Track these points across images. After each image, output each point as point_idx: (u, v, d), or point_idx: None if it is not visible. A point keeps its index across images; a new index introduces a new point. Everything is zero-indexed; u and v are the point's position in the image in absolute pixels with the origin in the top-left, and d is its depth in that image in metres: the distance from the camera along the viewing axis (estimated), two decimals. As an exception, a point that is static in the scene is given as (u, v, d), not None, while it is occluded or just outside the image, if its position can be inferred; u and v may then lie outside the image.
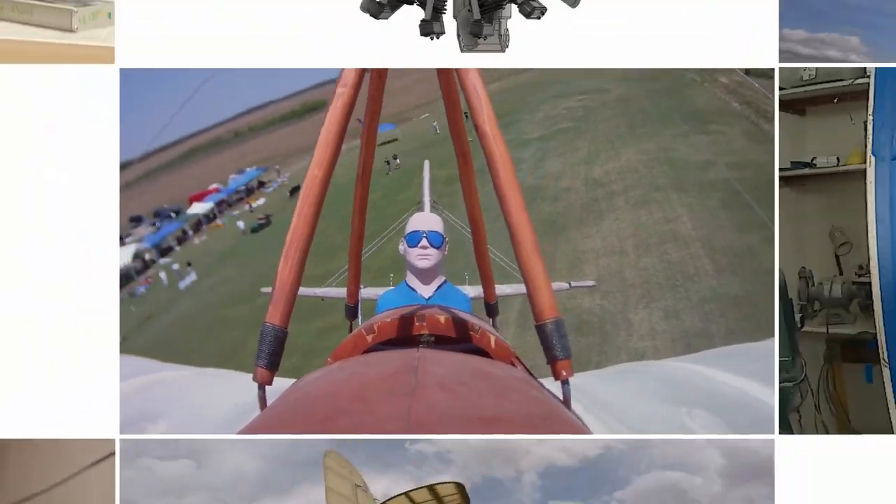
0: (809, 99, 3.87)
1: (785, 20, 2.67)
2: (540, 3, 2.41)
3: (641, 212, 18.15)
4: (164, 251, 33.78)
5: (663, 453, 3.70)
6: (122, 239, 33.48)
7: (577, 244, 16.92)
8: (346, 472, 3.42)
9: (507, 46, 2.49)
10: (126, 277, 30.13)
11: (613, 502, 3.99)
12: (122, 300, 27.80)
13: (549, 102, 26.78)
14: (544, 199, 20.11)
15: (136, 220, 38.21)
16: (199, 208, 39.49)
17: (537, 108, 27.22)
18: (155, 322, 24.62)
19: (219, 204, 40.61)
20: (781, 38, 2.70)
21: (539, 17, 2.42)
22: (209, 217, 39.04)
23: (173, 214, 38.87)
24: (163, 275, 30.54)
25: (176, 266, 30.91)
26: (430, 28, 2.44)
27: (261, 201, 39.84)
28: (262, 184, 43.67)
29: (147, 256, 32.68)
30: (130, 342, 21.93)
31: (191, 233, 36.54)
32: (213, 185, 43.49)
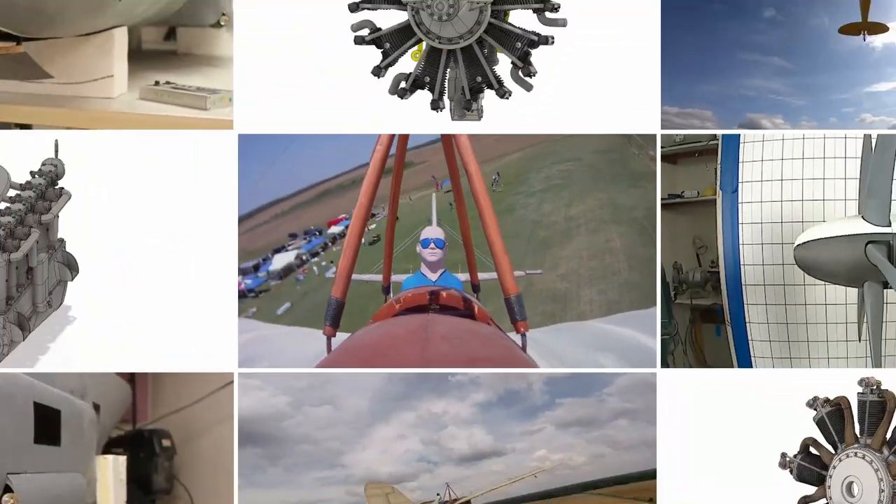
0: (680, 154, 3.87)
1: (664, 100, 2.66)
2: (508, 89, 2.42)
3: (593, 236, 19.09)
4: (314, 254, 34.28)
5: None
6: (285, 247, 34.56)
7: (556, 253, 18.15)
8: (380, 490, 3.46)
9: (482, 117, 2.49)
10: (290, 269, 30.56)
11: (604, 395, 4.04)
12: (287, 283, 28.07)
13: (549, 167, 26.93)
14: (541, 228, 20.93)
15: (293, 236, 38.94)
16: (335, 229, 39.84)
17: (541, 171, 27.35)
18: (310, 296, 24.67)
19: (347, 227, 40.57)
20: (662, 112, 2.70)
21: (508, 98, 2.42)
22: (342, 235, 39.21)
23: (318, 233, 39.40)
24: (315, 268, 30.75)
25: (324, 263, 31.15)
26: (436, 105, 2.44)
27: (373, 226, 39.82)
28: (373, 214, 43.49)
29: (304, 257, 33.09)
30: (296, 309, 22.04)
31: (331, 244, 36.95)
32: (342, 215, 43.58)
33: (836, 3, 2.60)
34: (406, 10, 2.35)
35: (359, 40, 2.38)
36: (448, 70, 2.42)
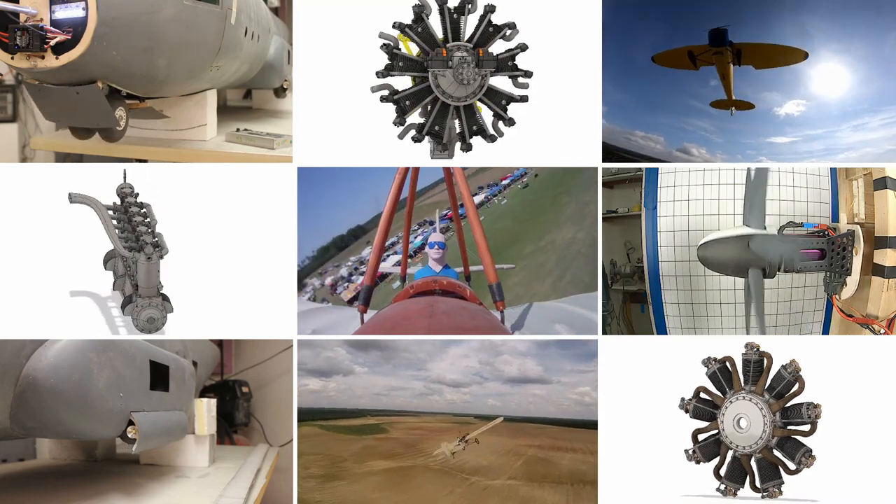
0: (616, 181, 3.81)
1: (634, 125, 2.66)
2: (495, 134, 2.36)
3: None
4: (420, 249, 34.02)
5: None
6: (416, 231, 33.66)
7: (562, 235, 16.74)
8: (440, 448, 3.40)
9: (454, 156, 2.40)
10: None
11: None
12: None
13: (573, 197, 26.07)
14: (564, 223, 19.89)
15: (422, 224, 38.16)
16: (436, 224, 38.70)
17: (566, 202, 26.41)
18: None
19: (429, 232, 39.02)
20: (630, 134, 2.68)
21: (494, 141, 2.35)
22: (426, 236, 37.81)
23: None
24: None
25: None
26: (445, 147, 2.38)
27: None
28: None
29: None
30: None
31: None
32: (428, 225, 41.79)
33: (754, 82, 2.58)
34: (426, 76, 2.28)
35: (385, 98, 2.30)
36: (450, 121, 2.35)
